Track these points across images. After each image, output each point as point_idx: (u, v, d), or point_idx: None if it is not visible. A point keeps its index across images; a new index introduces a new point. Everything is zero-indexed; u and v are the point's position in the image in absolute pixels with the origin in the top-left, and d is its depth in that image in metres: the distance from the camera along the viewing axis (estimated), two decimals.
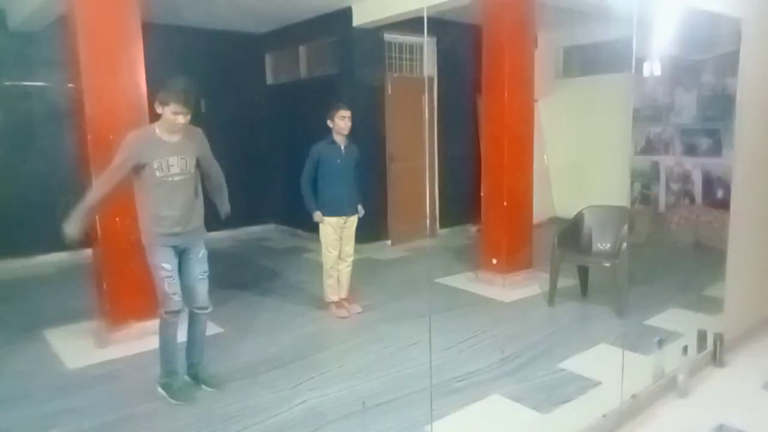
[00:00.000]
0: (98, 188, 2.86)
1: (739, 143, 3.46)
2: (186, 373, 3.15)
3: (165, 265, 2.88)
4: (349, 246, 4.20)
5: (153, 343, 3.16)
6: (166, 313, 2.95)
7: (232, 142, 7.09)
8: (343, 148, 4.06)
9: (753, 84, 3.43)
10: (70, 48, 3.71)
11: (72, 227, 2.72)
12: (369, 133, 6.41)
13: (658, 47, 6.12)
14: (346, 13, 6.24)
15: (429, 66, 7.11)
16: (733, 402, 2.93)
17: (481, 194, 5.12)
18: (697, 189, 6.30)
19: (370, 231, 6.40)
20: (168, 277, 2.89)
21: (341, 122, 3.98)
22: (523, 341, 3.68)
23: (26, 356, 3.63)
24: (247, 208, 7.26)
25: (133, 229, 3.51)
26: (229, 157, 7.64)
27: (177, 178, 2.86)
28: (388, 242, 6.65)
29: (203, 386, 3.10)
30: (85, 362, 3.48)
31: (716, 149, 6.07)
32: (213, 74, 7.06)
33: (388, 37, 6.59)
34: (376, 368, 3.32)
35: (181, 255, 2.97)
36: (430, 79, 7.11)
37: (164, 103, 2.78)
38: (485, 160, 5.07)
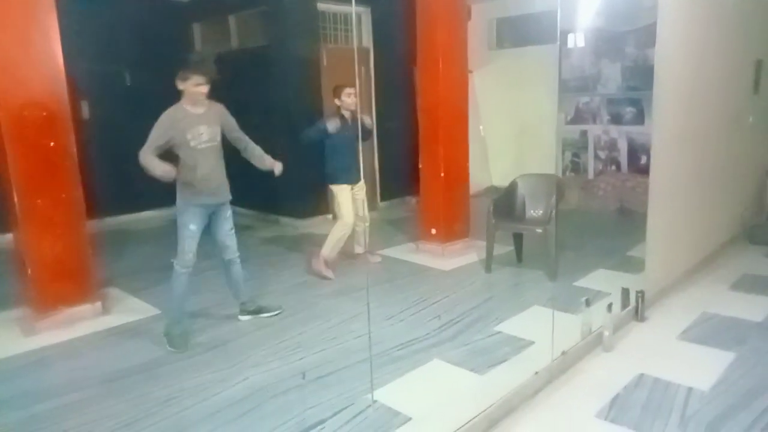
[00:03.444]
0: (144, 157, 3.10)
1: (657, 111, 3.65)
2: (244, 312, 3.68)
3: (191, 226, 3.27)
4: (364, 209, 4.70)
5: (83, 329, 3.05)
6: (181, 267, 3.28)
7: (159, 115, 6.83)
8: (350, 121, 4.42)
9: (669, 54, 3.60)
10: None
11: (161, 169, 3.06)
12: (304, 106, 6.31)
13: (584, 19, 6.33)
14: None
15: (365, 36, 7.03)
16: (652, 353, 3.15)
17: (419, 166, 5.18)
18: (623, 156, 6.62)
19: (309, 206, 6.36)
20: (190, 237, 3.27)
21: (348, 99, 4.38)
22: (462, 307, 3.80)
23: None
24: None
25: (55, 211, 3.36)
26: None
27: (206, 145, 3.25)
28: (329, 216, 6.63)
29: (263, 315, 3.67)
30: (11, 352, 3.30)
31: (639, 118, 6.39)
32: (137, 45, 6.70)
33: (321, 6, 6.45)
34: (317, 343, 3.34)
35: (211, 216, 3.38)
36: (366, 50, 7.04)
37: (186, 79, 3.16)
38: (422, 131, 5.11)
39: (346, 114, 4.43)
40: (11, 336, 3.53)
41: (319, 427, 2.48)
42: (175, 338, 3.30)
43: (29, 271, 3.55)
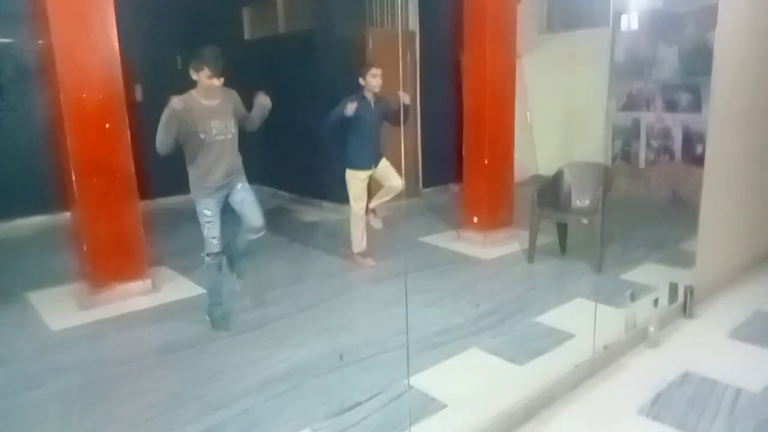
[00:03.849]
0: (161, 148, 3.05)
1: (714, 98, 3.49)
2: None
3: (206, 212, 3.22)
4: (395, 177, 4.36)
5: (134, 304, 3.19)
6: (207, 255, 3.26)
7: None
8: (372, 103, 4.22)
9: (730, 37, 3.42)
10: (37, 2, 3.57)
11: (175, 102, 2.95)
12: (350, 91, 6.32)
13: (640, 0, 6.06)
14: None
15: (411, 20, 6.97)
16: (700, 351, 3.05)
17: (463, 153, 5.13)
18: (677, 145, 6.37)
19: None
20: (208, 222, 3.22)
21: (373, 80, 4.15)
22: (502, 297, 3.77)
23: (10, 318, 3.63)
24: None
25: (110, 190, 3.50)
26: None
27: (218, 138, 3.16)
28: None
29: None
30: (68, 324, 3.50)
31: (696, 105, 6.12)
32: (189, 30, 6.83)
33: None
34: (358, 326, 3.39)
35: (227, 196, 3.32)
36: (413, 34, 6.98)
37: (199, 69, 3.07)
38: (467, 117, 5.05)
39: (369, 95, 4.21)
40: (69, 309, 3.73)
41: (356, 409, 2.53)
42: (216, 320, 3.39)
43: (85, 248, 3.74)
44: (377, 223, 4.56)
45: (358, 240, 4.44)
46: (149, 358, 3.07)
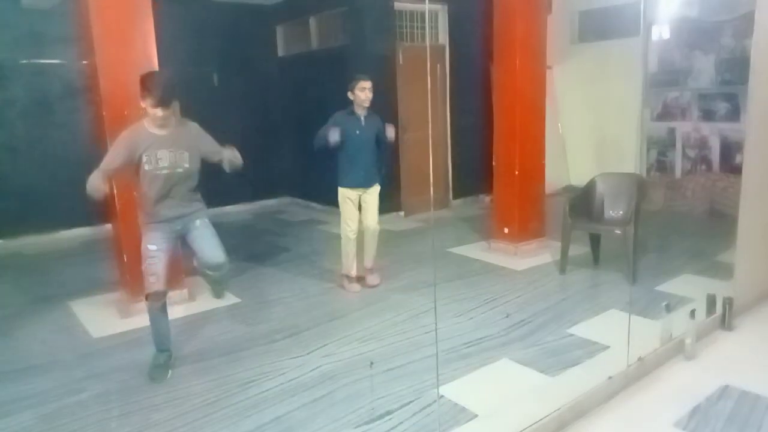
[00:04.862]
0: (101, 170, 2.79)
1: (752, 106, 3.41)
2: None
3: (150, 246, 2.94)
4: (371, 216, 4.15)
5: (171, 313, 3.27)
6: (146, 297, 2.98)
7: (244, 115, 7.18)
8: (362, 119, 4.00)
9: (767, 44, 3.35)
10: (82, 24, 3.76)
11: (93, 189, 2.68)
12: (380, 104, 6.36)
13: (674, 9, 5.98)
14: None
15: (440, 34, 7.03)
16: (740, 364, 2.96)
17: (493, 164, 5.12)
18: (715, 155, 6.22)
19: (382, 202, 6.40)
20: (150, 257, 2.92)
21: (361, 94, 3.91)
22: (533, 308, 3.74)
23: (53, 325, 3.78)
24: (262, 182, 7.37)
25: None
26: (242, 131, 7.71)
27: (163, 171, 2.88)
28: (401, 213, 6.70)
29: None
30: (109, 331, 3.63)
31: (734, 114, 5.98)
32: (224, 47, 7.09)
33: (398, 5, 6.52)
34: (388, 335, 3.41)
35: (183, 233, 3.06)
36: (442, 48, 7.04)
37: (143, 98, 2.81)
38: (497, 129, 5.05)
39: (359, 111, 3.96)
40: (110, 317, 3.87)
41: (386, 417, 2.54)
42: (154, 367, 3.03)
43: (125, 259, 3.87)
44: (373, 280, 4.29)
45: (348, 262, 4.16)
46: (185, 365, 3.14)
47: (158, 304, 3.01)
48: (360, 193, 4.09)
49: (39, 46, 5.83)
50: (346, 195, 4.07)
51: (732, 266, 3.50)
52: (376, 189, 4.16)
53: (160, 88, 2.79)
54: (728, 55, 5.96)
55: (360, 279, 4.29)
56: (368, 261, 4.29)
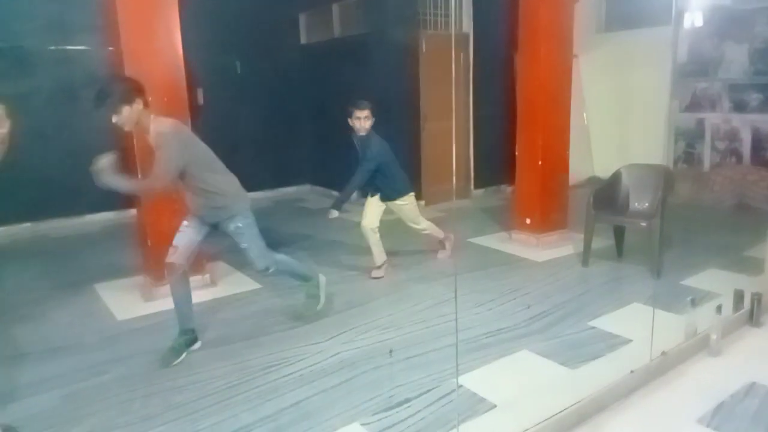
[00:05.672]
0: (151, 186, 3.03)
1: None
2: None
3: (184, 221, 3.14)
4: (413, 223, 4.49)
5: (195, 297, 3.31)
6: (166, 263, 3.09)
7: (267, 103, 7.21)
8: (358, 147, 4.16)
9: None
10: (108, 11, 3.79)
11: (107, 181, 2.83)
12: (402, 94, 6.37)
13: None
14: None
15: (464, 22, 6.94)
16: (767, 361, 2.90)
17: (516, 154, 5.06)
18: (746, 147, 6.06)
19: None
20: (179, 231, 3.11)
21: (357, 123, 4.04)
22: (554, 300, 3.70)
23: (78, 308, 3.87)
24: (283, 169, 7.41)
25: (173, 190, 3.65)
26: (264, 118, 7.77)
27: None
28: (422, 203, 6.67)
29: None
30: (133, 314, 3.70)
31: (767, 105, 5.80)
32: (248, 35, 7.11)
33: None
34: (407, 324, 3.41)
35: (218, 228, 3.17)
36: (466, 36, 6.95)
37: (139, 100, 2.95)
38: (520, 118, 4.98)
39: (355, 138, 4.14)
40: (134, 300, 3.94)
41: (405, 405, 2.54)
42: (170, 349, 3.09)
43: (149, 243, 3.93)
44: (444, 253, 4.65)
45: (375, 254, 4.33)
46: (207, 348, 3.19)
47: (172, 276, 3.09)
48: (369, 198, 4.35)
49: (67, 33, 5.92)
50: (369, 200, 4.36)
51: (762, 261, 3.41)
52: (372, 199, 4.34)
53: (98, 97, 2.90)
54: (762, 45, 5.78)
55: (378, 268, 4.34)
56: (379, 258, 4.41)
